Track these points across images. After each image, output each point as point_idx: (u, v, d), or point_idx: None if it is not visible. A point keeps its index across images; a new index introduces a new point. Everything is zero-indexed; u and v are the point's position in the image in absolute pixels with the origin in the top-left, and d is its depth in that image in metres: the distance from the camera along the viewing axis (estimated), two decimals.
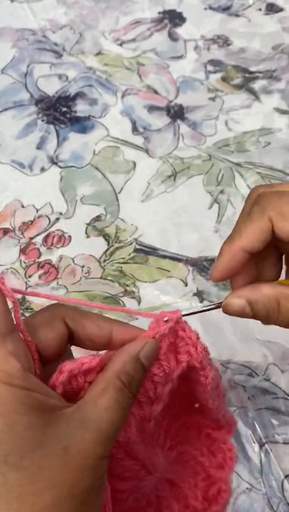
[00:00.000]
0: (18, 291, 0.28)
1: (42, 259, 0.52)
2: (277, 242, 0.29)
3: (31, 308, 0.49)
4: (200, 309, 0.30)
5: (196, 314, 0.30)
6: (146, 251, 0.52)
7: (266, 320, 0.29)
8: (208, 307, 0.30)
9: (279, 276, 0.31)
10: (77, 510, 0.22)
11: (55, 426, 0.23)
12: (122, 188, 0.57)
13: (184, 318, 0.29)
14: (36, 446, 0.22)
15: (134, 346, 0.27)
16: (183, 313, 0.28)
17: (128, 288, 0.50)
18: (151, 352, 0.27)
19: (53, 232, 0.54)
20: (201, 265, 0.52)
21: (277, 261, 0.31)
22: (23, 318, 0.27)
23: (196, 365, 0.29)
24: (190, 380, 0.30)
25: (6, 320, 0.24)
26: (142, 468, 0.31)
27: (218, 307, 0.29)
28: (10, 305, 0.26)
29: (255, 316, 0.28)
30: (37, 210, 0.55)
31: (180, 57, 0.71)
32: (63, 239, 0.53)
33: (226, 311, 0.29)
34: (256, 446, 0.41)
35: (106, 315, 0.30)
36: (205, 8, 0.77)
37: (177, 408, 0.33)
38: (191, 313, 0.29)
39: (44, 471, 0.22)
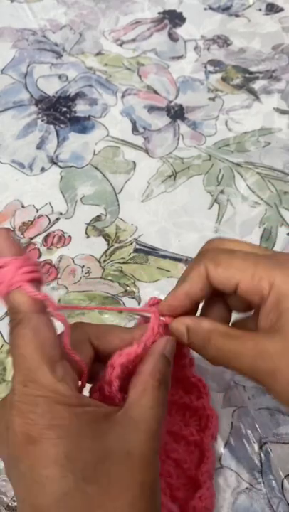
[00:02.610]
0: (64, 307, 0.30)
1: (42, 259, 0.52)
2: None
3: None
4: (132, 308, 0.33)
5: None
6: (146, 251, 0.52)
7: (198, 352, 0.30)
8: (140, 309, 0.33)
9: (227, 321, 0.33)
10: (151, 504, 0.25)
11: (113, 433, 0.25)
12: (122, 188, 0.57)
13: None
14: (103, 457, 0.24)
15: (160, 346, 0.30)
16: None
17: (128, 288, 0.50)
18: (173, 348, 0.30)
19: (53, 232, 0.54)
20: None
21: (223, 309, 0.33)
22: None
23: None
24: None
25: (56, 347, 0.26)
26: None
27: (144, 310, 0.32)
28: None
29: (189, 345, 0.30)
30: (37, 210, 0.55)
31: (180, 57, 0.71)
32: (63, 239, 0.53)
33: (171, 331, 0.31)
34: (256, 446, 0.41)
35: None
36: (205, 9, 0.77)
37: None
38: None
39: (116, 477, 0.24)
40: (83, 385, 0.29)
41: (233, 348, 0.28)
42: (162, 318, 0.31)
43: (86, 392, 0.30)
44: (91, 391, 0.30)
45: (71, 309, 0.48)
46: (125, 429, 0.25)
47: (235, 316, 0.33)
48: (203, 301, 0.33)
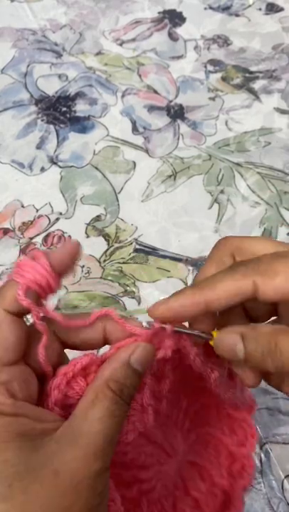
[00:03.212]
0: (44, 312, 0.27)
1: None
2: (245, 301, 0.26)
3: None
4: (190, 332, 0.27)
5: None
6: (146, 251, 0.52)
7: (258, 364, 0.25)
8: (199, 334, 0.27)
9: None
10: None
11: (44, 449, 0.22)
12: (122, 188, 0.57)
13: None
14: (25, 473, 0.21)
15: (124, 352, 0.25)
16: (175, 329, 0.27)
17: (128, 288, 0.50)
18: (145, 356, 0.26)
19: (53, 232, 0.54)
20: (201, 265, 0.51)
21: (243, 318, 0.29)
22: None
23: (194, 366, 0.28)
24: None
25: (10, 352, 0.24)
26: (162, 451, 0.32)
27: (208, 339, 0.27)
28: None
29: (246, 355, 0.25)
30: (37, 210, 0.55)
31: (180, 57, 0.71)
32: (63, 239, 0.53)
33: (216, 347, 0.27)
34: (256, 446, 0.41)
35: None
36: (205, 8, 0.77)
37: (195, 389, 0.33)
38: (179, 332, 0.27)
39: (34, 499, 0.21)
40: (45, 395, 0.26)
41: None
42: (164, 326, 0.26)
43: None
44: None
45: (71, 309, 0.48)
46: (60, 444, 0.22)
47: None
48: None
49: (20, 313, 0.25)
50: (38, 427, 0.23)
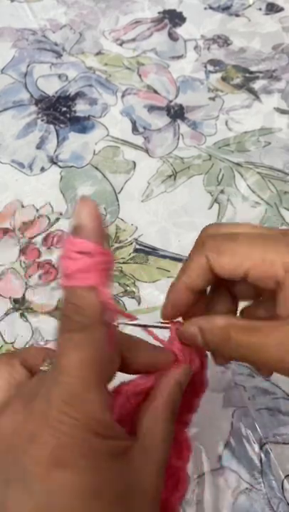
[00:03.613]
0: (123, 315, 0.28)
1: (42, 259, 0.52)
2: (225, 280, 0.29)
3: (31, 309, 0.49)
4: (152, 324, 0.30)
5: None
6: (146, 251, 0.52)
7: (216, 351, 0.28)
8: (160, 325, 0.30)
9: (233, 313, 0.31)
10: None
11: (132, 467, 0.23)
12: (122, 188, 0.57)
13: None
14: (125, 492, 0.22)
15: (178, 374, 0.28)
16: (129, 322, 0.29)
17: (128, 288, 0.50)
18: (188, 377, 0.28)
19: (53, 232, 0.54)
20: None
21: (229, 298, 0.31)
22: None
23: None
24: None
25: (109, 369, 0.24)
26: None
27: (165, 327, 0.30)
28: None
29: (205, 345, 0.28)
30: (37, 210, 0.55)
31: (180, 57, 0.71)
32: (63, 239, 0.53)
33: (180, 337, 0.29)
34: (256, 446, 0.41)
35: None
36: (205, 8, 0.77)
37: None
38: (142, 326, 0.29)
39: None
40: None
41: (256, 341, 0.25)
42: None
43: None
44: None
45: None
46: (141, 463, 0.23)
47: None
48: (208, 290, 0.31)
49: (107, 322, 0.23)
50: (124, 445, 0.23)
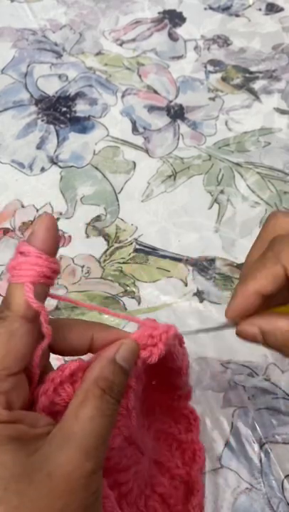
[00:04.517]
0: (68, 300, 0.28)
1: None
2: None
3: None
4: (206, 328, 0.30)
5: (196, 313, 0.29)
6: (146, 251, 0.52)
7: (280, 351, 0.28)
8: (217, 328, 0.30)
9: None
10: None
11: (38, 452, 0.22)
12: (122, 188, 0.57)
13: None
14: (20, 477, 0.21)
15: (109, 350, 0.26)
16: (183, 330, 0.29)
17: (128, 288, 0.50)
18: (129, 352, 0.26)
19: None
20: (201, 265, 0.52)
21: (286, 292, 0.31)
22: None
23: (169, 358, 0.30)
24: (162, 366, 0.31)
25: (18, 362, 0.24)
26: (137, 451, 0.32)
27: (223, 328, 0.30)
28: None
29: (267, 345, 0.28)
30: (37, 210, 0.55)
31: (180, 57, 0.71)
32: (63, 239, 0.53)
33: (239, 336, 0.29)
34: (256, 446, 0.41)
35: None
36: (205, 8, 0.77)
37: (144, 388, 0.34)
38: (197, 332, 0.30)
39: (29, 501, 0.21)
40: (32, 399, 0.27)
41: None
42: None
43: None
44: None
45: (71, 309, 0.48)
46: (52, 447, 0.22)
47: None
48: None
49: (33, 320, 0.24)
50: (32, 432, 0.23)
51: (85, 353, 0.28)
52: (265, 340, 0.28)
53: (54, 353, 0.28)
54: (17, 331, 0.24)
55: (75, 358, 0.28)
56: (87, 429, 0.23)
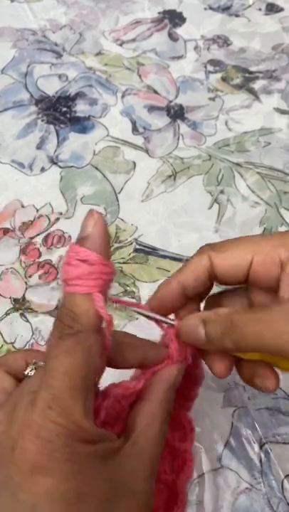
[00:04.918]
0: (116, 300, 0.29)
1: (42, 259, 0.52)
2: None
3: (31, 309, 0.49)
4: (155, 317, 0.30)
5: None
6: (146, 251, 0.52)
7: (219, 344, 0.27)
8: (164, 320, 0.30)
9: None
10: None
11: (121, 469, 0.23)
12: (122, 188, 0.57)
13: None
14: (112, 496, 0.22)
15: (171, 375, 0.28)
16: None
17: (128, 288, 0.50)
18: (180, 378, 0.28)
19: (53, 232, 0.54)
20: None
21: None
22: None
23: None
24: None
25: (95, 377, 0.24)
26: None
27: (166, 322, 0.30)
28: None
29: (207, 337, 0.27)
30: (37, 210, 0.55)
31: (180, 57, 0.71)
32: (63, 239, 0.53)
33: (179, 333, 0.29)
34: (256, 446, 0.41)
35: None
36: (205, 8, 0.77)
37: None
38: (146, 316, 0.30)
39: None
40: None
41: (263, 324, 0.25)
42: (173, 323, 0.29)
43: None
44: None
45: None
46: (133, 463, 0.24)
47: None
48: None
49: (100, 330, 0.24)
50: (110, 447, 0.24)
51: (134, 368, 0.29)
52: (205, 329, 0.27)
53: (108, 366, 0.28)
54: (93, 346, 0.23)
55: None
56: (155, 451, 0.25)
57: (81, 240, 0.23)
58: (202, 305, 0.32)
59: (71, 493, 0.21)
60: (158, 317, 0.29)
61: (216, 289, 0.31)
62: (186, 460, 0.37)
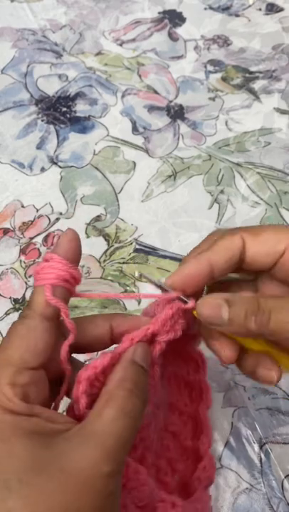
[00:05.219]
0: (83, 295, 0.29)
1: (42, 259, 0.52)
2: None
3: None
4: (174, 295, 0.29)
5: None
6: (146, 251, 0.52)
7: (240, 330, 0.27)
8: (182, 298, 0.29)
9: None
10: None
11: (55, 447, 0.22)
12: (122, 188, 0.57)
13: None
14: (36, 470, 0.21)
15: (129, 352, 0.27)
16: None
17: (128, 288, 0.50)
18: (146, 353, 0.27)
19: (53, 232, 0.54)
20: None
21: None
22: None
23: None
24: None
25: (37, 357, 0.25)
26: (155, 407, 0.33)
27: (183, 301, 0.29)
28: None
29: (231, 317, 0.26)
30: (37, 210, 0.55)
31: (180, 57, 0.71)
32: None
33: (198, 312, 0.28)
34: (256, 446, 0.41)
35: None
36: (205, 8, 0.77)
37: None
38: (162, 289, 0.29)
39: (39, 493, 0.21)
40: (61, 397, 0.28)
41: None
42: (185, 299, 0.28)
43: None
44: (67, 410, 0.28)
45: (72, 309, 0.48)
46: (70, 443, 0.22)
47: None
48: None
49: (53, 318, 0.26)
50: (49, 427, 0.23)
51: (110, 346, 0.29)
52: (230, 310, 0.26)
53: (77, 352, 0.29)
54: (36, 327, 0.25)
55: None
56: (109, 430, 0.23)
57: (53, 248, 0.27)
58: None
59: None
60: (172, 292, 0.29)
61: None
62: (203, 389, 0.38)
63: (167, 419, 0.37)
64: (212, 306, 0.27)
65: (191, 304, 0.28)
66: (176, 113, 0.65)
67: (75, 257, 0.27)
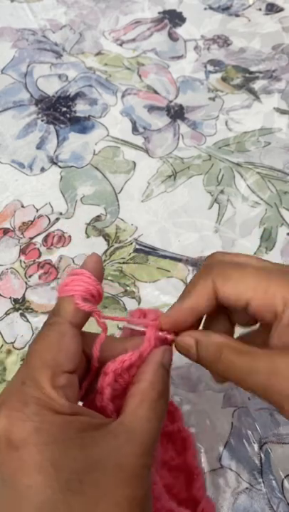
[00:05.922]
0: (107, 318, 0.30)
1: (42, 259, 0.52)
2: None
3: (31, 309, 0.49)
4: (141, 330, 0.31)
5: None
6: (146, 251, 0.52)
7: (209, 368, 0.29)
8: (164, 336, 0.30)
9: (231, 335, 0.32)
10: None
11: (104, 443, 0.24)
12: (122, 188, 0.57)
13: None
14: (92, 467, 0.23)
15: (158, 355, 0.29)
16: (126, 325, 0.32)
17: (128, 288, 0.50)
18: (171, 358, 0.29)
19: (53, 232, 0.54)
20: (201, 265, 0.51)
21: (227, 322, 0.32)
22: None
23: None
24: None
25: (70, 361, 0.26)
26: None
27: (171, 341, 0.30)
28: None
29: (198, 358, 0.29)
30: (37, 210, 0.55)
31: (180, 57, 0.71)
32: (63, 239, 0.53)
33: (176, 347, 0.30)
34: (256, 446, 0.41)
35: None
36: (205, 8, 0.77)
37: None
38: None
39: (104, 490, 0.22)
40: (82, 393, 0.29)
41: (245, 364, 0.26)
42: (160, 333, 0.30)
43: None
44: (84, 403, 0.29)
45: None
46: (118, 440, 0.24)
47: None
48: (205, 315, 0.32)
49: (79, 326, 0.28)
50: (93, 422, 0.25)
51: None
52: (197, 352, 0.28)
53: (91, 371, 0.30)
54: (66, 333, 0.27)
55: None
56: (147, 429, 0.25)
57: (80, 266, 0.29)
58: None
59: (45, 463, 0.22)
60: (138, 328, 0.31)
61: None
62: (184, 438, 0.38)
63: (159, 472, 0.37)
64: (184, 345, 0.29)
65: (170, 338, 0.30)
66: (176, 113, 0.65)
67: (99, 277, 0.29)
